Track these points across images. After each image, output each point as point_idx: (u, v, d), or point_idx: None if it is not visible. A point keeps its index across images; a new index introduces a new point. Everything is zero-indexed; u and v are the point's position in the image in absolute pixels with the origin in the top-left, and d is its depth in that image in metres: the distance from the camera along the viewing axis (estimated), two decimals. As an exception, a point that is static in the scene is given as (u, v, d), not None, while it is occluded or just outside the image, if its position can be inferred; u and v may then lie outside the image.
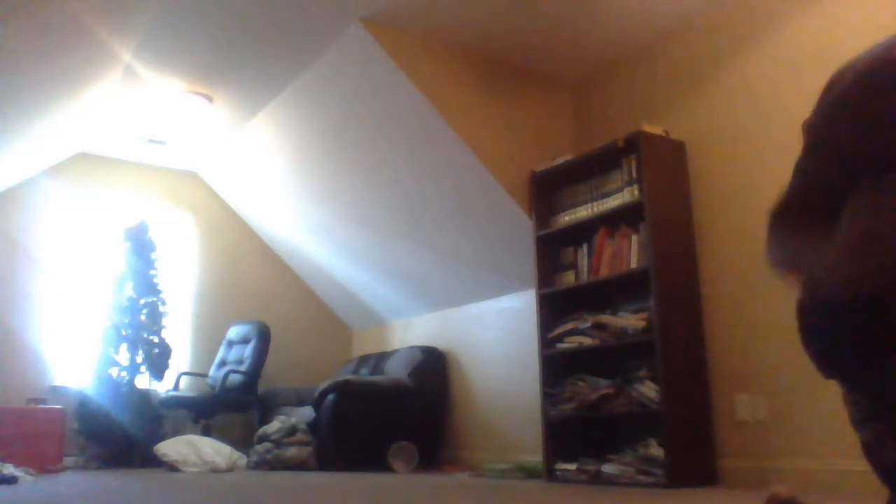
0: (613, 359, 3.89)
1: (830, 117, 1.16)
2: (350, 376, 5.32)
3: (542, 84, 4.64)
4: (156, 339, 5.42)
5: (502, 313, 5.03)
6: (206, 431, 5.39)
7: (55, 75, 4.06)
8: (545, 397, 3.97)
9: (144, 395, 5.33)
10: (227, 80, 4.71)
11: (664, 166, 3.75)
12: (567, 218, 4.14)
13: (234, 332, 6.06)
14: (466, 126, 4.21)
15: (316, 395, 5.09)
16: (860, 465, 3.01)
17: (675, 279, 3.60)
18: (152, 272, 5.54)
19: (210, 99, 4.94)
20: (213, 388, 5.75)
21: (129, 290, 5.45)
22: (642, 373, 3.56)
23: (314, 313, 6.75)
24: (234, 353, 5.92)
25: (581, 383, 3.85)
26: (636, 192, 3.73)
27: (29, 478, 3.91)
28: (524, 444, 4.56)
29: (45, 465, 4.53)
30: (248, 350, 5.79)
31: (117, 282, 5.45)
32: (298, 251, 6.46)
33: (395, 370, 5.44)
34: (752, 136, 3.54)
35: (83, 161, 5.96)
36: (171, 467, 4.65)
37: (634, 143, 3.73)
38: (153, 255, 5.58)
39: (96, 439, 5.05)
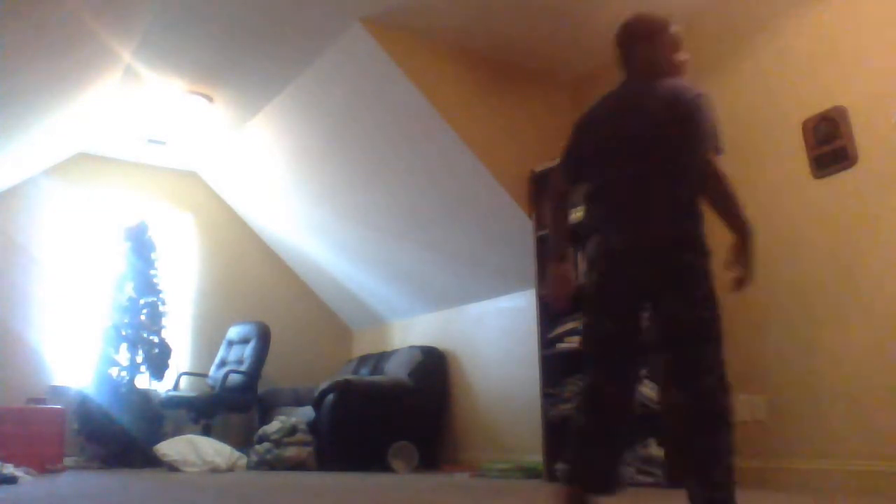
0: (613, 359, 3.88)
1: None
2: (350, 376, 5.32)
3: (541, 84, 4.63)
4: (156, 339, 5.41)
5: (502, 313, 5.02)
6: (206, 431, 5.38)
7: (55, 75, 4.06)
8: (545, 397, 3.97)
9: (144, 395, 5.32)
10: (227, 80, 4.71)
11: (664, 166, 3.74)
12: (567, 218, 4.12)
13: (234, 332, 6.06)
14: (466, 126, 4.21)
15: (316, 395, 5.08)
16: (860, 465, 3.01)
17: (675, 279, 3.59)
18: (152, 272, 5.54)
19: (210, 99, 4.94)
20: (213, 388, 5.74)
21: (129, 290, 5.44)
22: (642, 373, 3.55)
23: (314, 313, 6.75)
24: (234, 353, 5.92)
25: (581, 383, 3.84)
26: (636, 192, 3.71)
27: (29, 478, 3.91)
28: (524, 444, 4.56)
29: (45, 465, 4.52)
30: (248, 350, 5.79)
31: (117, 282, 5.45)
32: (298, 251, 6.45)
33: (395, 370, 5.44)
34: (752, 135, 3.54)
35: (83, 161, 5.95)
36: (171, 467, 4.64)
37: (634, 143, 3.72)
38: (153, 255, 5.57)
39: (96, 439, 5.05)
